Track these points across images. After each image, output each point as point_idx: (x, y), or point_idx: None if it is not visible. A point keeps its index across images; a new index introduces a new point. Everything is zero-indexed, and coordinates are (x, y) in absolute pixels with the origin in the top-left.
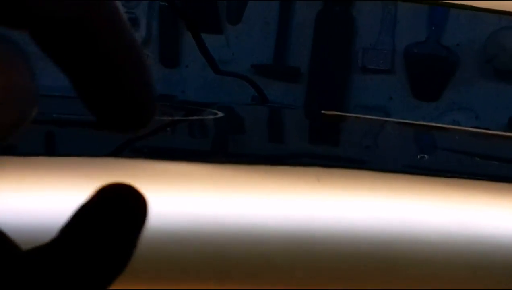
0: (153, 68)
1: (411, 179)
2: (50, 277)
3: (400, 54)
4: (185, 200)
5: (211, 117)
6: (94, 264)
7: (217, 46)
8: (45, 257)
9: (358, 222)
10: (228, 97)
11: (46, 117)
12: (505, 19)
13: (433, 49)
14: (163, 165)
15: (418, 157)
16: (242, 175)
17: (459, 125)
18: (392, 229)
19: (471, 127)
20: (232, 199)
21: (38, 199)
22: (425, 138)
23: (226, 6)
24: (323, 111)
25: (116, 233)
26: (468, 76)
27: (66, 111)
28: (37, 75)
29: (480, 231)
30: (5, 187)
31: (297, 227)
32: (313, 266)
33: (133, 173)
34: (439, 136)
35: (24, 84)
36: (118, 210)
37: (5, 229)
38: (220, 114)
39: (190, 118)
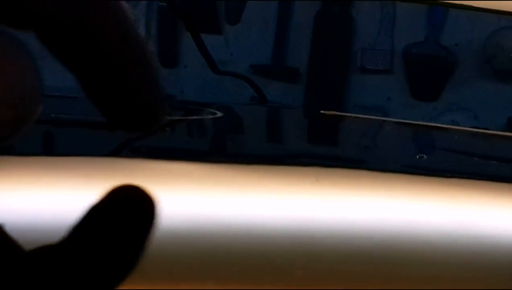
0: None
1: (409, 179)
2: (58, 276)
3: (398, 54)
4: (183, 200)
5: (210, 117)
6: (103, 264)
7: (216, 46)
8: (53, 256)
9: (357, 222)
10: (227, 97)
11: (44, 117)
12: (504, 19)
13: (431, 49)
14: (162, 165)
15: (417, 157)
16: (241, 175)
17: (458, 125)
18: (391, 229)
19: (469, 127)
20: (231, 199)
21: (36, 199)
22: (423, 138)
23: (225, 6)
24: (322, 111)
25: (126, 234)
26: (466, 76)
27: (65, 111)
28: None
29: (479, 231)
30: (3, 187)
31: (296, 227)
32: (312, 265)
33: (131, 173)
34: (437, 136)
35: (29, 83)
36: (128, 211)
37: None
38: (219, 114)
39: (189, 118)
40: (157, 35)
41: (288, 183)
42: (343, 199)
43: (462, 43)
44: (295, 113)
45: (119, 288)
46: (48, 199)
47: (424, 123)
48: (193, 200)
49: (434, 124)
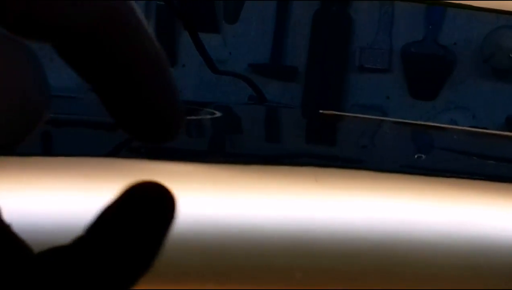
0: None
1: (408, 178)
2: (74, 277)
3: (397, 53)
4: (182, 200)
5: (208, 117)
6: (119, 264)
7: (214, 45)
8: (66, 257)
9: (356, 222)
10: (225, 96)
11: None
12: (502, 19)
13: (430, 48)
14: (160, 165)
15: (415, 156)
16: (240, 175)
17: (456, 124)
18: (389, 229)
19: (468, 126)
20: (230, 199)
21: (34, 199)
22: (422, 137)
23: (223, 5)
24: (320, 111)
25: (143, 234)
26: (465, 75)
27: (63, 111)
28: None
29: (478, 231)
30: (1, 187)
31: (295, 227)
32: (311, 265)
33: (130, 173)
34: (436, 135)
35: (36, 87)
36: (146, 209)
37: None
38: (217, 114)
39: (187, 117)
40: (155, 34)
41: (287, 183)
42: (342, 199)
43: (460, 42)
44: (293, 112)
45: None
46: (46, 199)
47: (423, 123)
48: (192, 200)
49: (432, 124)
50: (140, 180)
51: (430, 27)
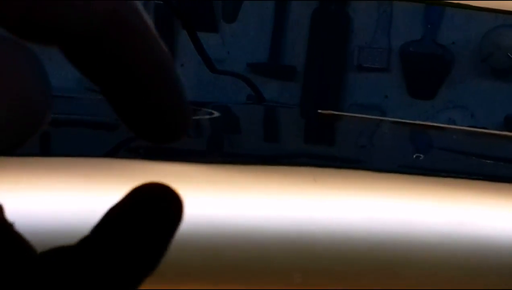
0: None
1: (407, 178)
2: (78, 277)
3: (395, 53)
4: None
5: (206, 117)
6: (124, 265)
7: (213, 45)
8: (70, 258)
9: (355, 222)
10: (223, 96)
11: None
12: (501, 18)
13: (428, 48)
14: (158, 166)
15: (414, 156)
16: (238, 175)
17: (455, 123)
18: (388, 228)
19: (466, 126)
20: (228, 199)
21: (33, 199)
22: (420, 137)
23: (221, 5)
24: (319, 111)
25: (149, 235)
26: (463, 75)
27: (62, 111)
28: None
29: (476, 231)
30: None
31: (294, 227)
32: (310, 265)
33: (128, 173)
34: (434, 135)
35: (37, 89)
36: (152, 210)
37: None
38: (215, 114)
39: None
40: None
41: (285, 183)
42: (341, 199)
43: (459, 41)
44: (292, 112)
45: None
46: (44, 200)
47: (421, 123)
48: (190, 200)
49: (431, 124)
50: (147, 182)
51: (429, 26)
